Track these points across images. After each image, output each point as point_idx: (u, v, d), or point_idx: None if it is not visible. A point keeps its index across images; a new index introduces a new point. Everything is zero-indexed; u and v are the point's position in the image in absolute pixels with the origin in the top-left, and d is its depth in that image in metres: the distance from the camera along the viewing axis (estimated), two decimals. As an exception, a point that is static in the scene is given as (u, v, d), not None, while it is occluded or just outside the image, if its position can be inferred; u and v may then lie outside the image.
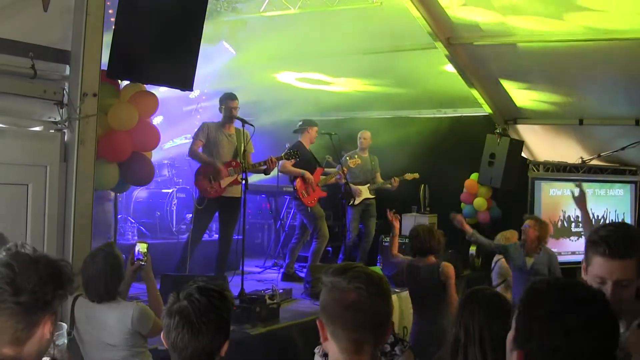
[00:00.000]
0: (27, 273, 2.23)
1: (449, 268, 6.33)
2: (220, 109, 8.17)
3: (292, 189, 9.44)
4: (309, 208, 9.17)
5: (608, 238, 2.62)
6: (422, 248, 6.45)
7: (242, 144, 7.85)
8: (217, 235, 8.93)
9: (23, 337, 2.23)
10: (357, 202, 10.03)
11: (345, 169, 9.50)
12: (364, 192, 10.17)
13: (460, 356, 3.39)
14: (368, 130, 10.48)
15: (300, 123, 9.59)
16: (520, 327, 1.84)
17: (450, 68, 9.51)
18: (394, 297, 7.80)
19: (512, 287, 7.82)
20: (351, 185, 9.83)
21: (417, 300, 6.69)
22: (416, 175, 10.53)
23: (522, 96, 10.06)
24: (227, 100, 8.08)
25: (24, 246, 2.32)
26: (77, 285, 2.47)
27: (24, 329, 2.22)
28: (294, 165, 9.17)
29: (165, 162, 10.66)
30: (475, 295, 3.54)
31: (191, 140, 8.23)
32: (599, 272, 2.61)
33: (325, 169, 9.79)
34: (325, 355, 3.69)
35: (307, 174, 9.15)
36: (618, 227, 2.75)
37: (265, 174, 8.25)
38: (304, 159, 9.27)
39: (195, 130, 8.19)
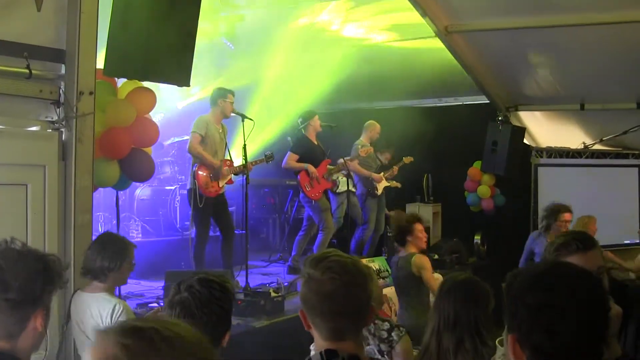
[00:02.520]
0: (14, 269, 2.26)
1: (420, 259, 6.13)
2: (213, 104, 7.99)
3: (295, 183, 9.41)
4: (313, 201, 9.15)
5: (575, 236, 2.93)
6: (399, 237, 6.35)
7: (222, 140, 7.95)
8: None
9: (15, 331, 2.27)
10: (379, 191, 9.97)
11: (347, 162, 9.40)
12: (384, 181, 10.15)
13: (434, 342, 3.41)
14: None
15: (300, 119, 9.54)
16: (508, 306, 1.83)
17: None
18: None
19: None
20: (373, 174, 9.92)
21: (398, 295, 6.56)
22: (411, 158, 10.53)
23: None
24: (228, 94, 7.96)
25: (13, 242, 2.34)
26: (66, 279, 2.47)
27: (15, 324, 2.26)
28: (299, 160, 9.14)
29: (167, 159, 10.66)
30: (451, 282, 3.57)
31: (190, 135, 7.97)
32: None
33: None
34: None
35: (311, 168, 9.09)
36: (571, 232, 3.16)
37: (234, 174, 8.05)
38: (309, 152, 9.26)
39: (193, 124, 7.97)
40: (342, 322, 2.22)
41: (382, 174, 10.17)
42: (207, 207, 7.77)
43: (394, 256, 6.63)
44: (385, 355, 3.95)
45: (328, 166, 9.42)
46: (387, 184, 10.21)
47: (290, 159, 9.13)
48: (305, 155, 9.18)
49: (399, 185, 10.43)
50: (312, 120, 9.36)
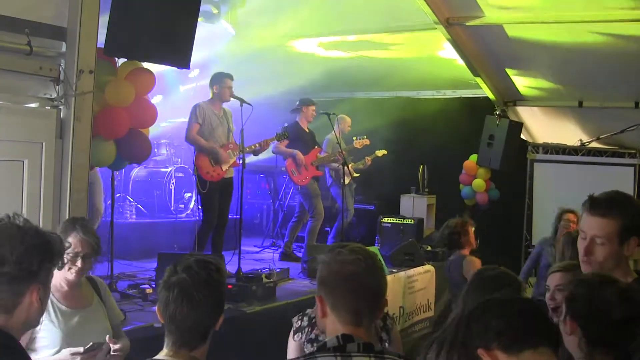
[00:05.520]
0: (11, 244, 2.24)
1: (473, 262, 6.18)
2: (212, 89, 7.96)
3: (289, 168, 9.47)
4: (299, 186, 9.31)
5: (595, 196, 2.91)
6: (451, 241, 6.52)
7: (223, 124, 7.94)
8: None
9: (9, 305, 2.27)
10: (347, 181, 10.06)
11: (344, 151, 9.46)
12: (352, 172, 10.26)
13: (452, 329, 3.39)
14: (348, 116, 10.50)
15: (297, 103, 9.59)
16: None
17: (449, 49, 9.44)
18: (390, 277, 7.81)
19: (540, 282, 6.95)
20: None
21: (452, 297, 6.62)
22: (385, 151, 10.69)
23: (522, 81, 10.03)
24: (225, 79, 7.92)
25: (16, 217, 2.33)
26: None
27: (9, 298, 2.26)
28: (289, 145, 9.21)
29: (164, 141, 10.64)
30: (481, 275, 3.50)
31: (187, 123, 7.96)
32: (582, 226, 2.91)
33: None
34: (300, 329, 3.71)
35: (299, 155, 9.18)
36: (612, 191, 2.97)
37: (255, 155, 8.21)
38: (299, 138, 9.31)
39: (189, 112, 7.94)
40: (363, 304, 2.30)
41: (351, 165, 10.27)
42: (212, 192, 7.76)
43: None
44: (386, 343, 3.95)
45: (318, 154, 9.50)
46: (356, 175, 10.45)
47: (281, 144, 9.20)
48: (295, 141, 9.24)
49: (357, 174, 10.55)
50: (304, 107, 9.43)
